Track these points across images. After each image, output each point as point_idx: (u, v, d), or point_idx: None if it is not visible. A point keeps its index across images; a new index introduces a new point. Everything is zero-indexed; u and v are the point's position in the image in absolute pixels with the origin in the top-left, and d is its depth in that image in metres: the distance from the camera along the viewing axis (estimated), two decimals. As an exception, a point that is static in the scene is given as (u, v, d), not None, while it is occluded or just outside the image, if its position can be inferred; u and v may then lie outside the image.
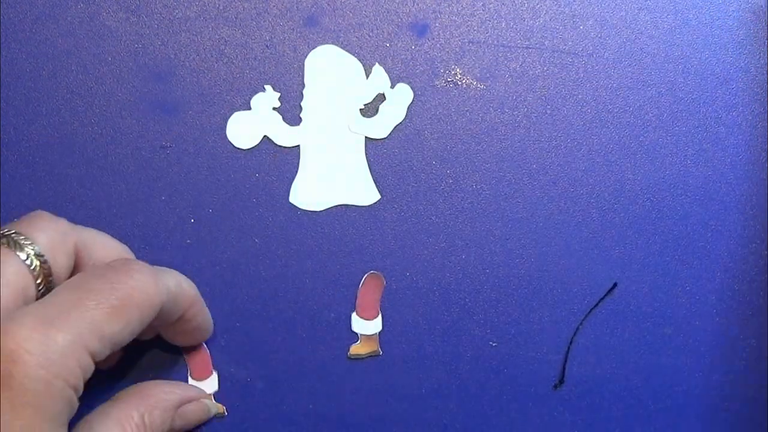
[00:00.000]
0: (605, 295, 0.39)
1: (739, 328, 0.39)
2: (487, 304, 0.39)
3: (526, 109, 0.39)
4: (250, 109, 0.39)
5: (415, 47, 0.39)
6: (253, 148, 0.39)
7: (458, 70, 0.39)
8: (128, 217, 0.37)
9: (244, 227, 0.38)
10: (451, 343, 0.38)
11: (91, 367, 0.29)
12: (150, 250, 0.38)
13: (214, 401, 0.38)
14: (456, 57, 0.39)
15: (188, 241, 0.38)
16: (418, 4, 0.39)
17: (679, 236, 0.39)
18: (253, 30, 0.39)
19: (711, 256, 0.39)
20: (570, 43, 0.40)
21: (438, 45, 0.39)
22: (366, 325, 0.38)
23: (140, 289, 0.31)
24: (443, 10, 0.39)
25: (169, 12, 0.39)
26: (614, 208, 0.39)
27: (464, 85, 0.39)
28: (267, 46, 0.39)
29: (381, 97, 0.39)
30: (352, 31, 0.39)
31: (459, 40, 0.39)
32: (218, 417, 0.38)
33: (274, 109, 0.39)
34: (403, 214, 0.39)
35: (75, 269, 0.33)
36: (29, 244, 0.31)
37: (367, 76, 0.39)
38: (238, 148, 0.39)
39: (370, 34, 0.39)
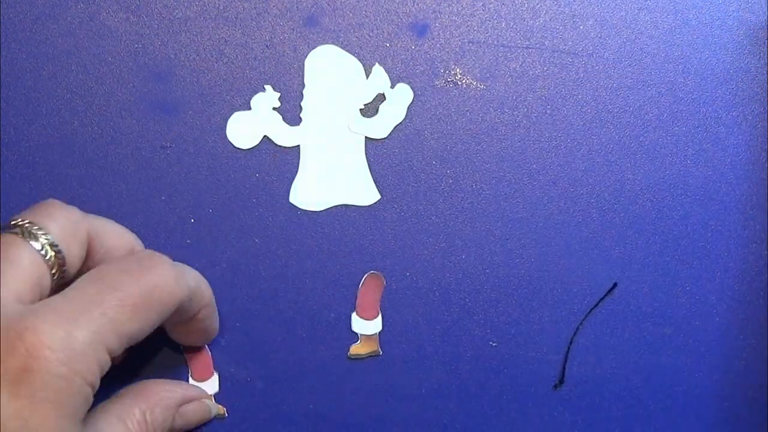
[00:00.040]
0: (605, 295, 0.39)
1: (739, 328, 0.39)
2: (487, 304, 0.39)
3: (526, 109, 0.39)
4: (250, 109, 0.39)
5: (415, 47, 0.39)
6: (253, 148, 0.39)
7: (458, 70, 0.39)
8: (128, 217, 0.37)
9: (244, 227, 0.38)
10: (451, 343, 0.38)
11: (108, 364, 0.29)
12: (150, 249, 0.38)
13: (215, 402, 0.38)
14: (456, 57, 0.39)
15: (188, 241, 0.38)
16: (418, 4, 0.39)
17: (679, 236, 0.39)
18: (253, 30, 0.39)
19: (711, 256, 0.39)
20: (570, 43, 0.40)
21: (438, 45, 0.39)
22: (366, 325, 0.38)
23: (162, 286, 0.31)
24: (443, 10, 0.39)
25: (169, 12, 0.39)
26: (614, 208, 0.39)
27: (464, 85, 0.39)
28: (267, 46, 0.39)
29: (381, 97, 0.39)
30: (352, 31, 0.39)
31: (459, 40, 0.39)
32: (218, 418, 0.38)
33: (274, 109, 0.39)
34: (403, 214, 0.39)
35: (86, 258, 0.33)
36: (43, 234, 0.31)
37: (367, 76, 0.39)
38: (238, 148, 0.39)
39: (370, 34, 0.39)
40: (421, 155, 0.39)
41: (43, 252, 0.30)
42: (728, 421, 0.39)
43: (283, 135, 0.39)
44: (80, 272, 0.32)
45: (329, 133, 0.39)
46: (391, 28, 0.39)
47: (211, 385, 0.38)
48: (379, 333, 0.38)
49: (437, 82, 0.39)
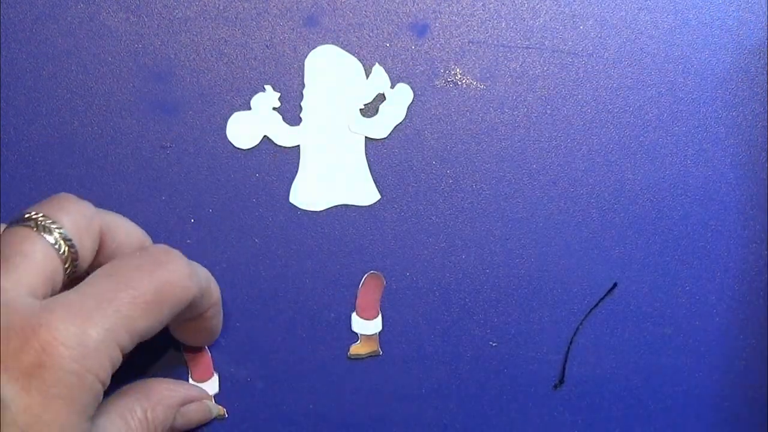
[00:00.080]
0: (605, 295, 0.39)
1: (739, 328, 0.39)
2: (487, 304, 0.39)
3: (526, 109, 0.39)
4: (250, 109, 0.39)
5: (415, 47, 0.39)
6: (253, 148, 0.39)
7: (458, 70, 0.39)
8: (128, 217, 0.37)
9: (244, 227, 0.38)
10: (451, 343, 0.38)
11: (119, 361, 0.29)
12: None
13: (215, 403, 0.38)
14: (456, 57, 0.39)
15: (188, 241, 0.38)
16: (418, 4, 0.39)
17: (679, 236, 0.39)
18: (253, 30, 0.39)
19: (711, 256, 0.39)
20: (570, 43, 0.40)
21: (438, 45, 0.39)
22: (366, 325, 0.38)
23: (175, 282, 0.31)
24: (443, 10, 0.39)
25: (169, 12, 0.39)
26: (614, 208, 0.39)
27: (464, 85, 0.39)
28: (267, 46, 0.39)
29: (381, 97, 0.39)
30: (352, 31, 0.39)
31: (459, 40, 0.39)
32: (219, 418, 0.38)
33: (274, 109, 0.39)
34: (403, 214, 0.39)
35: (98, 252, 0.33)
36: (57, 228, 0.30)
37: (367, 76, 0.39)
38: (238, 148, 0.39)
39: (370, 34, 0.39)
40: (421, 155, 0.39)
41: (56, 246, 0.30)
42: (728, 421, 0.39)
43: (283, 135, 0.39)
44: (92, 266, 0.32)
45: (329, 133, 0.39)
46: (391, 28, 0.39)
47: (211, 386, 0.38)
48: (379, 333, 0.38)
49: (437, 82, 0.39)
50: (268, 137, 0.39)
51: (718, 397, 0.39)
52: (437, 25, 0.39)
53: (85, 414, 0.28)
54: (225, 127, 0.39)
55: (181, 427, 0.36)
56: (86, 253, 0.31)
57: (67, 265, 0.30)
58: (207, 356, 0.38)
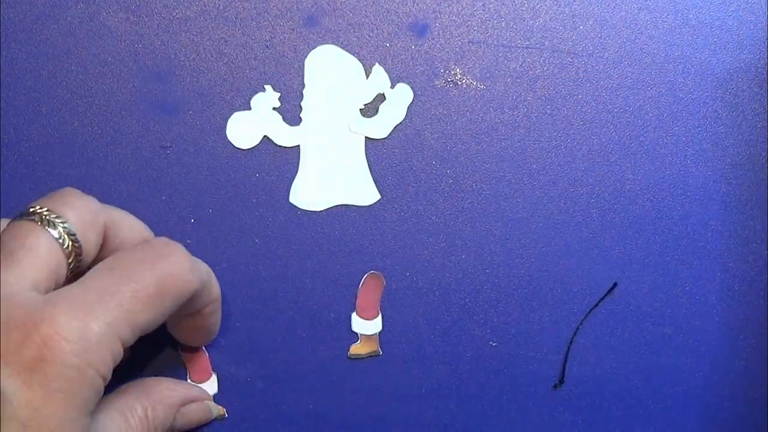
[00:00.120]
0: (605, 295, 0.39)
1: (739, 328, 0.39)
2: (487, 304, 0.39)
3: (526, 109, 0.39)
4: (250, 109, 0.39)
5: (415, 47, 0.39)
6: (253, 148, 0.39)
7: (458, 70, 0.39)
8: (128, 217, 0.37)
9: (244, 227, 0.38)
10: (451, 343, 0.38)
11: (121, 355, 0.29)
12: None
13: (215, 403, 0.38)
14: (456, 57, 0.39)
15: (188, 241, 0.38)
16: (418, 4, 0.39)
17: (679, 236, 0.39)
18: (253, 30, 0.39)
19: (711, 256, 0.39)
20: (570, 43, 0.40)
21: (438, 45, 0.39)
22: (366, 325, 0.38)
23: (176, 275, 0.31)
24: (443, 10, 0.39)
25: (169, 12, 0.39)
26: (614, 208, 0.39)
27: (464, 85, 0.39)
28: (267, 46, 0.39)
29: (381, 97, 0.39)
30: (352, 31, 0.39)
31: (459, 40, 0.39)
32: (219, 418, 0.38)
33: (274, 109, 0.39)
34: (403, 214, 0.39)
35: (102, 247, 0.33)
36: (61, 222, 0.30)
37: (367, 76, 0.39)
38: (238, 148, 0.39)
39: (370, 34, 0.39)
40: (421, 155, 0.39)
41: (60, 240, 0.30)
42: (728, 421, 0.39)
43: (283, 135, 0.39)
44: (95, 261, 0.32)
45: (329, 133, 0.39)
46: (391, 28, 0.39)
47: (210, 387, 0.38)
48: (379, 333, 0.38)
49: (437, 82, 0.39)
50: (268, 137, 0.39)
51: (718, 397, 0.39)
52: (437, 25, 0.39)
53: (86, 409, 0.28)
54: (225, 127, 0.39)
55: (181, 427, 0.36)
56: (90, 248, 0.32)
57: (70, 260, 0.30)
58: (205, 357, 0.38)
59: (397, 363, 0.38)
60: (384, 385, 0.38)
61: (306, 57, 0.39)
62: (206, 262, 0.36)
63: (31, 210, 0.31)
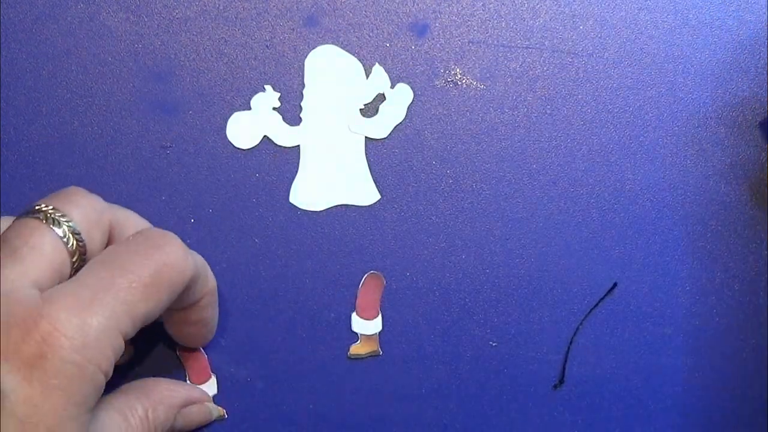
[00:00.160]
0: (605, 295, 0.39)
1: (739, 328, 0.39)
2: (487, 304, 0.39)
3: (526, 109, 0.39)
4: (250, 109, 0.39)
5: (415, 47, 0.39)
6: (253, 148, 0.39)
7: (458, 70, 0.39)
8: (128, 217, 0.37)
9: (244, 227, 0.38)
10: (451, 343, 0.38)
11: (122, 348, 0.29)
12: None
13: (215, 405, 0.38)
14: (456, 57, 0.39)
15: (188, 241, 0.38)
16: (418, 4, 0.39)
17: (679, 236, 0.39)
18: (253, 30, 0.39)
19: (711, 256, 0.39)
20: (570, 43, 0.40)
21: (438, 45, 0.39)
22: (366, 325, 0.38)
23: (172, 264, 0.31)
24: (443, 10, 0.39)
25: (169, 12, 0.39)
26: (614, 208, 0.39)
27: (464, 85, 0.39)
28: (267, 46, 0.39)
29: (381, 97, 0.39)
30: (352, 31, 0.39)
31: (459, 40, 0.39)
32: (219, 419, 0.38)
33: (274, 109, 0.39)
34: (403, 214, 0.39)
35: (107, 246, 0.33)
36: (66, 221, 0.31)
37: (367, 76, 0.39)
38: (238, 148, 0.39)
39: (370, 34, 0.39)
40: (421, 155, 0.39)
41: (65, 239, 0.30)
42: (728, 421, 0.39)
43: (283, 135, 0.39)
44: None
45: (329, 133, 0.39)
46: (391, 28, 0.39)
47: (210, 388, 0.38)
48: (379, 333, 0.38)
49: (437, 82, 0.39)
50: (268, 137, 0.39)
51: (718, 397, 0.39)
52: (437, 25, 0.39)
53: (85, 405, 0.28)
54: (225, 127, 0.39)
55: (181, 428, 0.36)
56: (95, 247, 0.32)
57: (75, 259, 0.31)
58: (204, 358, 0.38)
59: (397, 363, 0.38)
60: (384, 385, 0.38)
61: (306, 57, 0.39)
62: (206, 262, 0.36)
63: (37, 208, 0.31)
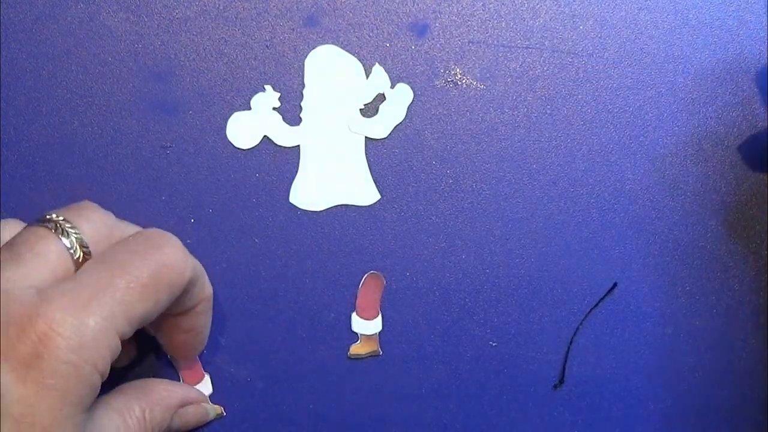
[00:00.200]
0: (605, 295, 0.39)
1: (739, 328, 0.39)
2: (487, 304, 0.39)
3: (526, 109, 0.39)
4: (250, 109, 0.39)
5: (415, 47, 0.39)
6: (253, 148, 0.39)
7: (458, 70, 0.39)
8: (128, 217, 0.37)
9: (244, 227, 0.38)
10: (451, 343, 0.38)
11: (119, 348, 0.29)
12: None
13: (212, 404, 0.38)
14: (456, 57, 0.39)
15: (188, 241, 0.38)
16: (418, 4, 0.39)
17: (679, 236, 0.39)
18: (253, 30, 0.39)
19: (711, 256, 0.39)
20: (570, 43, 0.40)
21: (438, 45, 0.39)
22: (366, 325, 0.38)
23: (170, 264, 0.31)
24: (443, 10, 0.39)
25: (169, 12, 0.39)
26: (614, 208, 0.39)
27: (464, 85, 0.39)
28: (267, 46, 0.39)
29: (381, 97, 0.39)
30: (352, 31, 0.39)
31: (459, 40, 0.39)
32: (217, 418, 0.38)
33: (274, 109, 0.39)
34: (403, 214, 0.39)
35: None
36: (75, 232, 0.31)
37: (367, 76, 0.39)
38: (238, 148, 0.39)
39: (370, 34, 0.39)
40: (421, 155, 0.39)
41: (72, 250, 0.31)
42: (728, 421, 0.39)
43: (283, 135, 0.39)
44: None
45: (329, 133, 0.39)
46: (391, 28, 0.39)
47: (204, 388, 0.38)
48: (379, 333, 0.38)
49: (437, 82, 0.39)
50: (268, 137, 0.39)
51: (717, 397, 0.39)
52: (437, 25, 0.39)
53: (81, 405, 0.28)
54: (225, 127, 0.39)
55: (178, 429, 0.36)
56: None
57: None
58: (195, 359, 0.38)
59: (397, 363, 0.38)
60: (384, 385, 0.38)
61: (306, 57, 0.39)
62: (206, 262, 0.36)
63: (47, 217, 0.31)
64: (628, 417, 0.39)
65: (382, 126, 0.39)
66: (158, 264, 0.30)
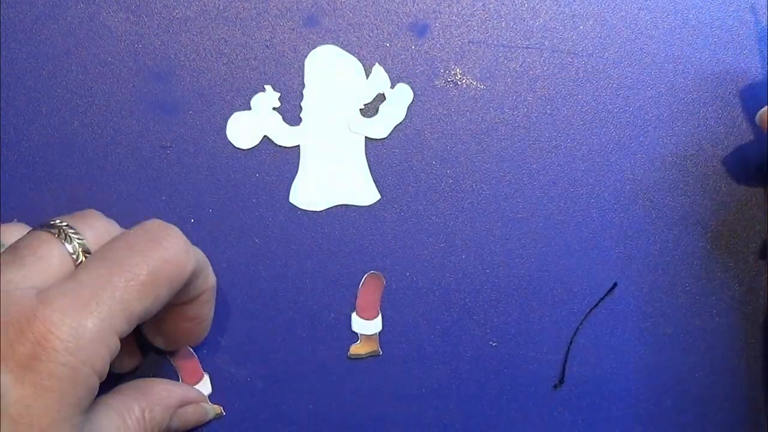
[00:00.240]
0: (605, 295, 0.39)
1: (739, 328, 0.39)
2: (487, 304, 0.39)
3: (526, 109, 0.39)
4: (250, 109, 0.39)
5: (415, 47, 0.39)
6: (253, 148, 0.39)
7: (458, 70, 0.39)
8: (128, 217, 0.37)
9: (244, 227, 0.38)
10: (451, 343, 0.38)
11: (118, 348, 0.29)
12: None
13: (211, 404, 0.37)
14: (456, 57, 0.39)
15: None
16: (418, 4, 0.39)
17: (679, 236, 0.39)
18: (253, 30, 0.39)
19: (711, 256, 0.39)
20: (570, 43, 0.40)
21: (438, 45, 0.39)
22: (366, 325, 0.38)
23: (171, 259, 0.30)
24: (443, 10, 0.39)
25: (169, 12, 0.39)
26: (614, 208, 0.39)
27: (464, 85, 0.39)
28: (267, 46, 0.39)
29: (381, 97, 0.39)
30: (352, 31, 0.39)
31: (459, 40, 0.39)
32: (216, 417, 0.38)
33: (274, 109, 0.39)
34: (403, 214, 0.39)
35: None
36: (78, 238, 0.31)
37: (367, 76, 0.39)
38: (238, 148, 0.39)
39: (370, 34, 0.39)
40: (421, 155, 0.39)
41: (74, 255, 0.31)
42: (728, 421, 0.39)
43: (283, 135, 0.39)
44: None
45: (329, 133, 0.39)
46: (391, 28, 0.39)
47: (203, 388, 0.38)
48: (379, 333, 0.38)
49: (437, 82, 0.39)
50: (268, 137, 0.39)
51: (718, 397, 0.39)
52: (437, 25, 0.39)
53: (79, 407, 0.28)
54: (225, 127, 0.39)
55: (177, 428, 0.36)
56: None
57: None
58: (194, 359, 0.38)
59: (397, 363, 0.38)
60: (384, 385, 0.38)
61: (306, 57, 0.39)
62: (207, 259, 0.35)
63: (51, 223, 0.31)
64: (628, 417, 0.39)
65: (382, 126, 0.39)
66: (158, 260, 0.30)
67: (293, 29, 0.39)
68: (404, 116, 0.39)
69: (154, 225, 0.32)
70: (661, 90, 0.40)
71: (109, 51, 0.38)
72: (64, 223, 0.31)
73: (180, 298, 0.33)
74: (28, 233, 0.31)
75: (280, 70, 0.39)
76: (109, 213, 0.37)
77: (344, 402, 0.38)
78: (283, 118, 0.39)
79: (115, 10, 0.39)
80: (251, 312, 0.38)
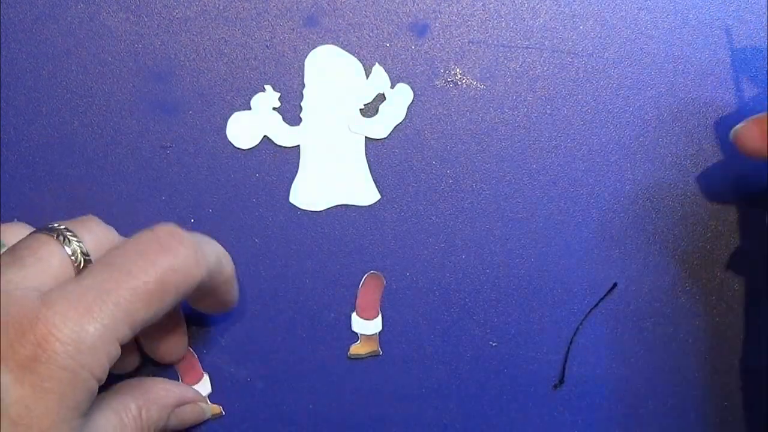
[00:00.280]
0: (605, 295, 0.39)
1: (739, 328, 0.39)
2: (487, 304, 0.39)
3: (526, 109, 0.39)
4: (250, 109, 0.39)
5: (415, 47, 0.39)
6: (253, 148, 0.39)
7: (458, 70, 0.39)
8: (128, 217, 0.37)
9: (244, 227, 0.38)
10: (451, 343, 0.38)
11: (118, 353, 0.29)
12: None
13: (210, 403, 0.38)
14: (456, 57, 0.39)
15: (188, 241, 0.38)
16: (418, 4, 0.39)
17: (679, 236, 0.39)
18: (253, 30, 0.39)
19: (711, 256, 0.39)
20: (570, 43, 0.40)
21: (438, 45, 0.39)
22: (366, 325, 0.38)
23: (180, 268, 0.30)
24: (443, 10, 0.39)
25: (169, 12, 0.39)
26: (614, 208, 0.39)
27: (464, 85, 0.39)
28: (267, 46, 0.39)
29: (381, 97, 0.39)
30: (352, 31, 0.39)
31: (459, 40, 0.39)
32: (216, 417, 0.38)
33: (274, 109, 0.39)
34: (403, 214, 0.39)
35: None
36: (77, 241, 0.31)
37: (367, 76, 0.39)
38: (238, 148, 0.39)
39: (370, 34, 0.39)
40: (421, 155, 0.39)
41: (73, 258, 0.31)
42: (728, 421, 0.39)
43: (283, 135, 0.39)
44: None
45: (329, 133, 0.39)
46: (391, 28, 0.39)
47: (203, 387, 0.38)
48: (379, 333, 0.38)
49: (437, 82, 0.39)
50: (268, 137, 0.39)
51: (718, 397, 0.39)
52: (437, 25, 0.39)
53: (78, 410, 0.28)
54: (225, 127, 0.39)
55: (175, 428, 0.36)
56: None
57: None
58: (194, 359, 0.38)
59: (397, 363, 0.38)
60: (384, 385, 0.38)
61: (306, 57, 0.39)
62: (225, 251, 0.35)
63: (51, 226, 0.31)
64: (628, 417, 0.39)
65: (382, 126, 0.39)
66: (166, 268, 0.29)
67: (293, 29, 0.39)
68: (404, 116, 0.39)
69: (164, 230, 0.31)
70: (661, 90, 0.40)
71: (109, 51, 0.38)
72: (63, 227, 0.31)
73: (196, 297, 0.33)
74: (28, 235, 0.31)
75: (280, 70, 0.39)
76: (109, 213, 0.37)
77: (344, 402, 0.38)
78: (283, 118, 0.39)
79: (115, 10, 0.39)
80: (251, 312, 0.38)
